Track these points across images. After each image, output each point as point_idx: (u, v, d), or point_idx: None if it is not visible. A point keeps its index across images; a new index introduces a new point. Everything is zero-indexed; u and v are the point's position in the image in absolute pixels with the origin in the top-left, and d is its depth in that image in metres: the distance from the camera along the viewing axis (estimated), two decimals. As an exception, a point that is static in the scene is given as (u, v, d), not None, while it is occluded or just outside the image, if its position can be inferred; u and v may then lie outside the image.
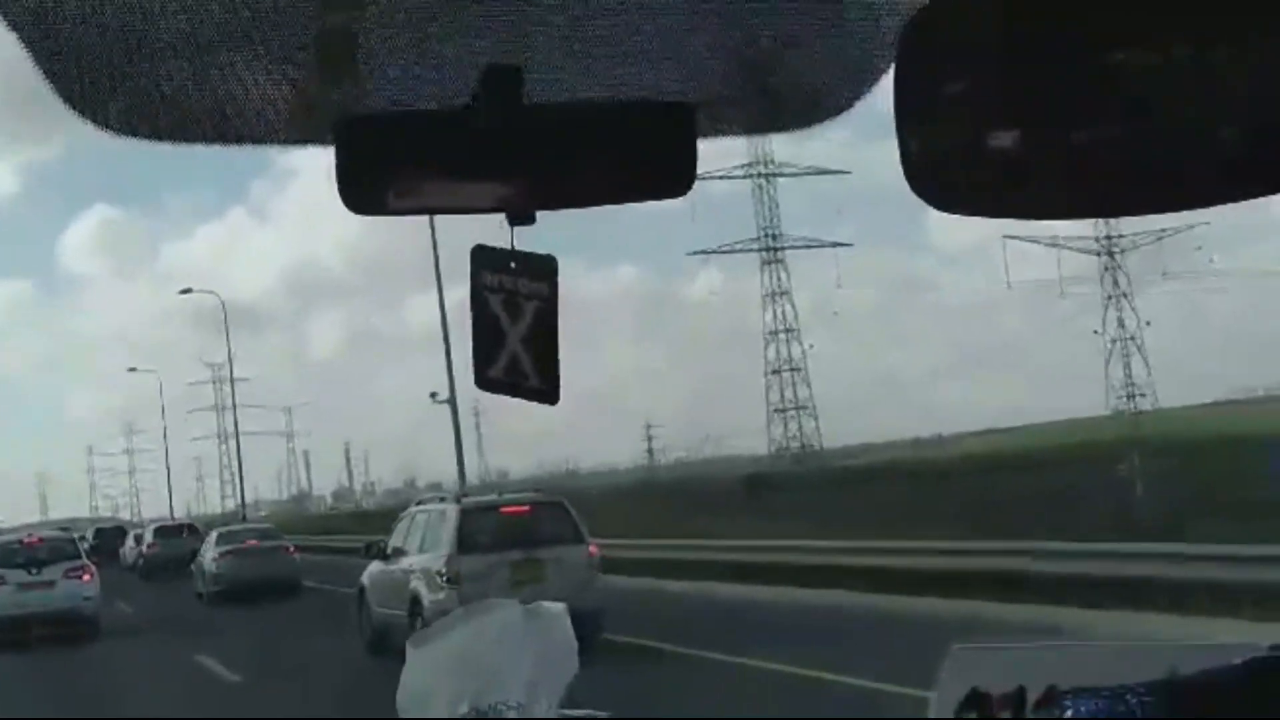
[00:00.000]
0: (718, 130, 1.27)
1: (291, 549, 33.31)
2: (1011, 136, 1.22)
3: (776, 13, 1.27)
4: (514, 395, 1.30)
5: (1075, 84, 1.20)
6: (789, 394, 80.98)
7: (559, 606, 1.64)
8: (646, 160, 1.18)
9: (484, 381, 1.30)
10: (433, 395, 38.28)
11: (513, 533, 17.53)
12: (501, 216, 1.24)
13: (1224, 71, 1.20)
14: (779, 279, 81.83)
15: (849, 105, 1.33)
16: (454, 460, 36.51)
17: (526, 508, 18.42)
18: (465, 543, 17.13)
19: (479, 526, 17.65)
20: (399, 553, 18.52)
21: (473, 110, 1.18)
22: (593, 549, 17.86)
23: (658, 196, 1.19)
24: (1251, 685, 1.79)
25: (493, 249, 1.26)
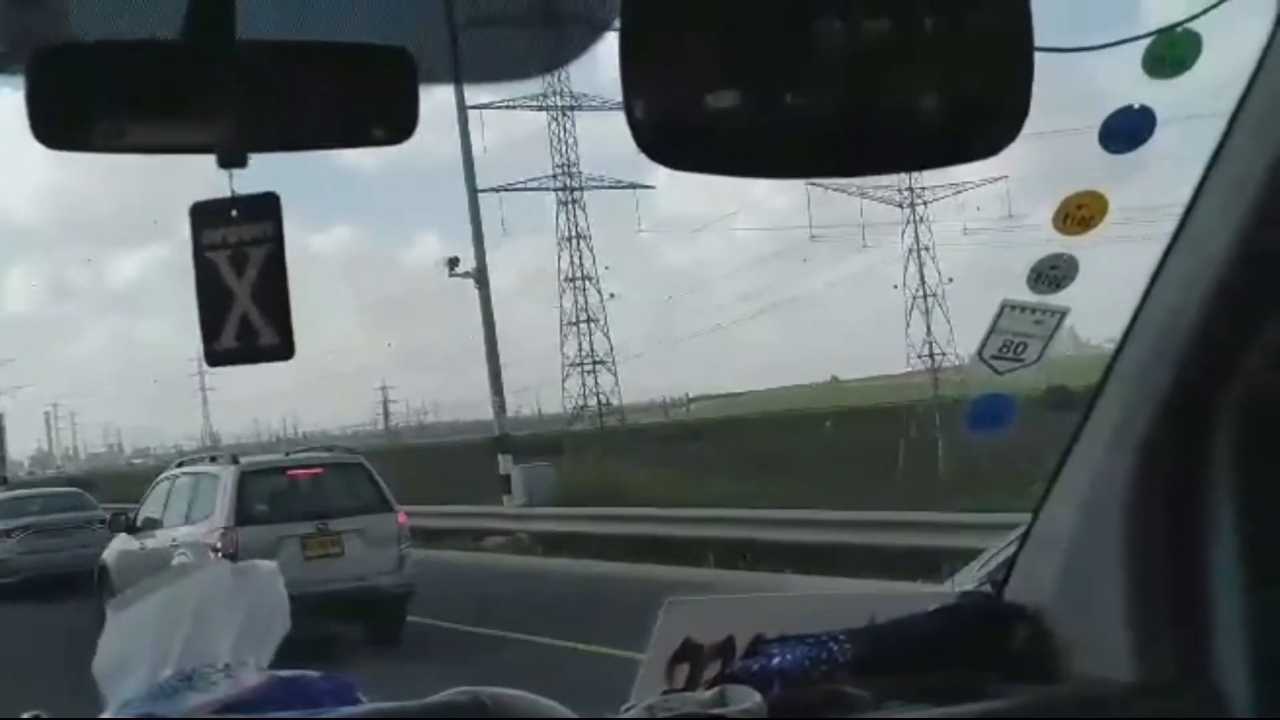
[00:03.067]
0: (438, 78, 1.25)
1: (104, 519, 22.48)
2: (732, 96, 1.25)
3: None
4: (247, 361, 1.24)
5: (793, 48, 1.24)
6: (586, 347, 73.59)
7: (270, 564, 1.60)
8: (364, 104, 1.16)
9: (213, 356, 1.24)
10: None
11: (302, 499, 14.91)
12: (221, 188, 1.19)
13: (930, 43, 1.25)
14: (576, 221, 73.88)
15: (571, 59, 1.33)
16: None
17: (318, 469, 15.51)
18: (244, 511, 14.34)
19: (260, 492, 14.84)
20: (152, 524, 15.49)
21: (181, 45, 1.13)
22: (401, 517, 15.11)
23: (377, 142, 1.17)
24: (942, 628, 1.90)
25: (211, 202, 1.21)
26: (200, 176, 1.27)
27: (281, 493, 14.99)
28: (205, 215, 1.20)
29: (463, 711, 1.44)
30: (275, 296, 1.21)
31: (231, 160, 1.16)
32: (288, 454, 16.58)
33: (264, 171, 1.25)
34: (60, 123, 1.11)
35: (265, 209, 1.21)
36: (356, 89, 1.15)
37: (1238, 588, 1.76)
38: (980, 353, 1.90)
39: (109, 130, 1.13)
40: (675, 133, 1.26)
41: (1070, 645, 1.87)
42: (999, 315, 1.90)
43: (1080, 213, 1.78)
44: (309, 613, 13.63)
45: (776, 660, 1.83)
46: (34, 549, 22.18)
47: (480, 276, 28.59)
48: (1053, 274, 1.83)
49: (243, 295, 1.21)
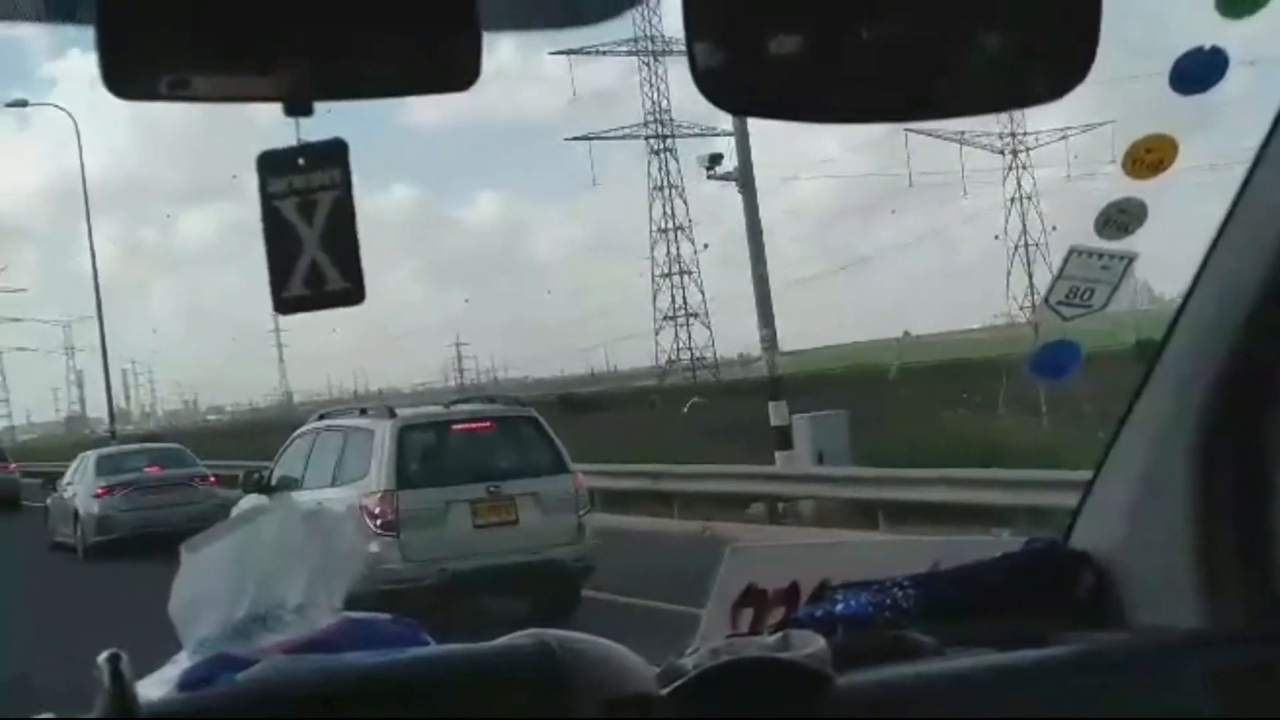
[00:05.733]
0: (500, 24, 1.25)
1: (211, 479, 23.60)
2: (797, 41, 1.25)
3: None
4: (317, 307, 1.24)
5: None
6: (679, 299, 71.23)
7: (339, 510, 1.62)
8: (427, 50, 1.17)
9: (282, 303, 1.24)
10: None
11: (470, 459, 13.18)
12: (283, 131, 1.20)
13: None
14: (668, 170, 71.90)
15: (631, 4, 1.33)
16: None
17: (488, 423, 13.56)
18: (405, 472, 12.57)
19: (422, 449, 13.10)
20: (290, 484, 13.63)
21: None
22: (579, 479, 13.36)
23: (441, 90, 1.18)
24: (1007, 575, 1.90)
25: (278, 150, 1.22)
26: (270, 134, 1.28)
27: (446, 451, 13.29)
28: (272, 163, 1.22)
29: (530, 653, 1.46)
30: (344, 243, 1.22)
31: (298, 108, 1.17)
32: (449, 405, 14.57)
33: (333, 129, 1.26)
34: (130, 71, 1.12)
35: (332, 156, 1.22)
36: (418, 34, 1.16)
37: None
38: (1047, 298, 1.89)
39: (178, 78, 1.14)
40: (738, 76, 1.26)
41: (1135, 593, 1.86)
42: (1066, 260, 1.88)
43: (1150, 156, 1.76)
44: (483, 589, 12.61)
45: (840, 606, 1.83)
46: (136, 506, 21.90)
47: (745, 179, 23.21)
48: (1121, 218, 1.81)
49: (310, 242, 1.22)
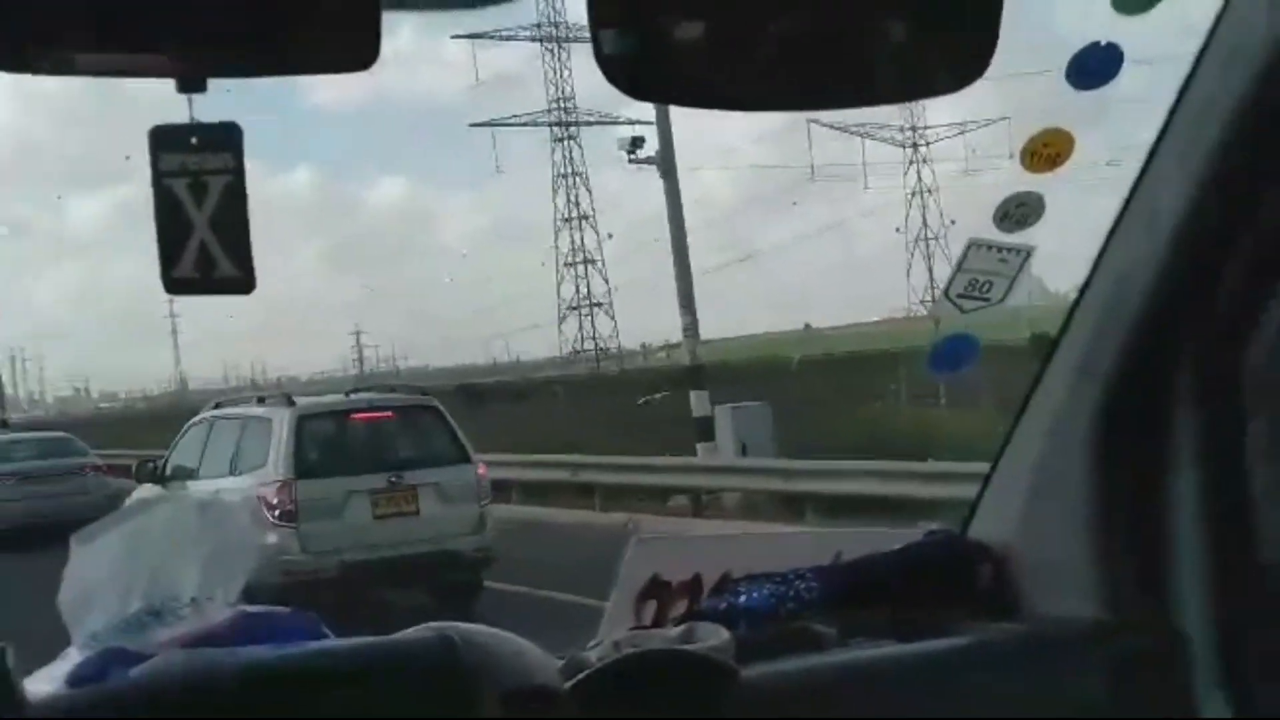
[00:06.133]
0: (400, 3, 1.23)
1: (103, 468, 22.71)
2: (701, 26, 1.24)
3: None
4: (206, 292, 1.23)
5: None
6: (583, 288, 70.93)
7: (235, 500, 1.59)
8: (325, 28, 1.14)
9: (172, 283, 1.22)
10: None
11: (370, 448, 13.08)
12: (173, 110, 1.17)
13: None
14: (572, 158, 71.66)
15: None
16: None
17: (389, 412, 13.48)
18: (304, 461, 12.40)
19: (322, 438, 12.93)
20: (185, 474, 13.46)
21: None
22: (481, 468, 13.21)
23: (339, 69, 1.16)
24: (907, 566, 1.91)
25: (171, 126, 1.20)
26: (164, 111, 1.25)
27: (346, 440, 13.14)
28: (164, 140, 1.19)
29: (431, 646, 1.45)
30: (235, 228, 1.20)
31: (191, 85, 1.15)
32: (348, 394, 14.32)
33: (229, 107, 1.24)
34: (12, 42, 1.09)
35: (226, 139, 1.20)
36: (316, 12, 1.14)
37: (1199, 527, 1.78)
38: (947, 291, 1.91)
39: (65, 51, 1.11)
40: (642, 61, 1.25)
41: (1033, 583, 1.89)
42: (965, 253, 1.90)
43: (1047, 150, 1.78)
44: (383, 580, 12.40)
45: (743, 598, 1.84)
46: (22, 496, 21.19)
47: (666, 164, 22.72)
48: (1019, 212, 1.84)
49: (201, 225, 1.20)
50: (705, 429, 20.76)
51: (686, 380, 21.94)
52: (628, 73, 1.26)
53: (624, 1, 1.24)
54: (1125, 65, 1.72)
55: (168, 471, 13.84)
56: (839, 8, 1.26)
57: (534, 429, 28.46)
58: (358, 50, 1.13)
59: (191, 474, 13.36)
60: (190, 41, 1.12)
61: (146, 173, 1.20)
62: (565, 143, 70.59)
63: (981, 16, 1.29)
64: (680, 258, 22.66)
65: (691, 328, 22.60)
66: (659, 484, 20.11)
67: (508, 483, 20.55)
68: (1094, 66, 1.71)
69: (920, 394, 24.37)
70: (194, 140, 1.19)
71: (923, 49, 1.31)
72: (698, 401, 21.09)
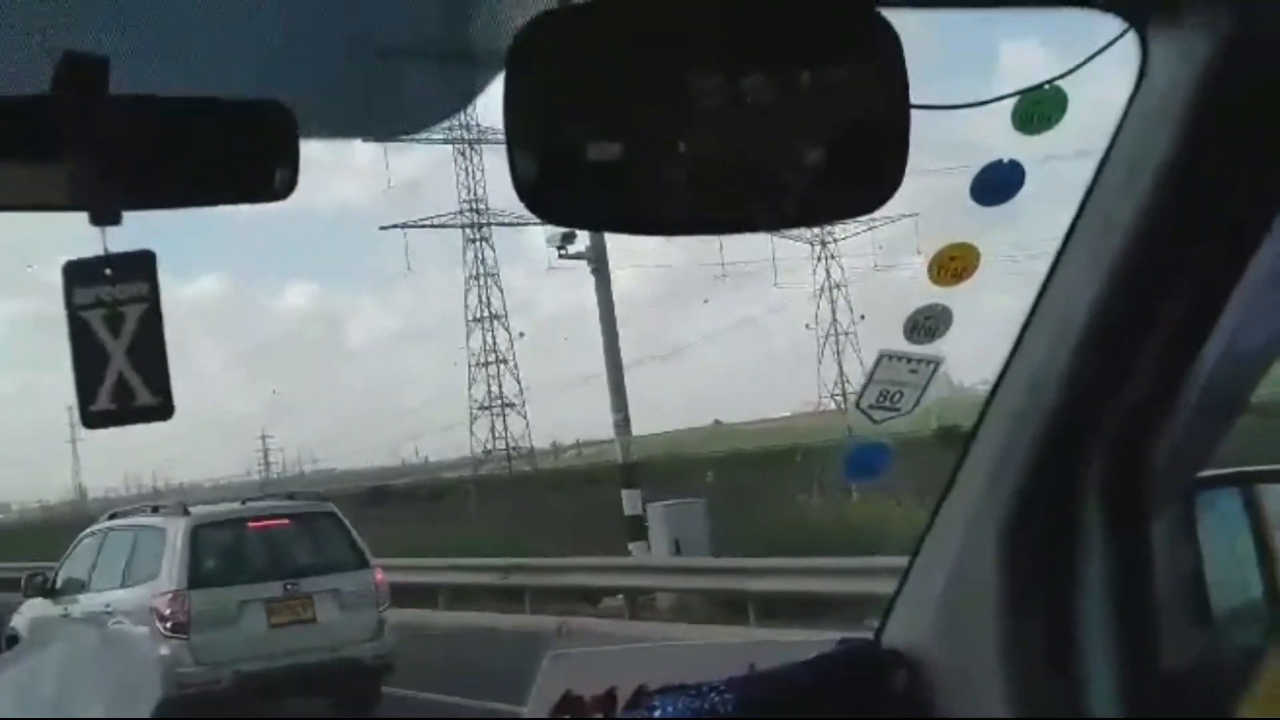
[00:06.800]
0: (320, 132, 1.23)
1: None
2: (617, 153, 1.25)
3: (385, 21, 1.25)
4: (124, 422, 1.21)
5: (675, 105, 1.25)
6: (494, 388, 70.33)
7: (141, 629, 1.55)
8: (243, 160, 1.14)
9: (90, 418, 1.20)
10: None
11: (266, 556, 12.95)
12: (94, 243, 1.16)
13: (811, 101, 1.27)
14: (484, 258, 71.12)
15: (453, 113, 1.33)
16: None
17: (285, 520, 13.37)
18: (198, 571, 12.27)
19: (216, 547, 12.82)
20: (77, 586, 13.32)
21: (50, 99, 1.10)
22: (379, 574, 13.16)
23: (255, 199, 1.15)
24: (821, 675, 1.91)
25: (84, 260, 1.19)
26: (70, 226, 1.24)
27: (241, 548, 13.00)
28: (78, 273, 1.17)
29: None
30: (152, 357, 1.18)
31: (105, 218, 1.13)
32: (245, 502, 14.27)
33: (132, 221, 1.22)
34: None
35: (140, 268, 1.18)
36: (235, 144, 1.13)
37: (1108, 627, 1.80)
38: (859, 403, 1.93)
39: None
40: (558, 187, 1.26)
41: (946, 687, 1.89)
42: (876, 365, 1.92)
43: (953, 264, 1.82)
44: (278, 689, 12.31)
45: (658, 712, 1.82)
46: None
47: (598, 260, 22.47)
48: (928, 324, 1.87)
49: (118, 355, 1.18)
50: (636, 528, 20.30)
51: (615, 478, 21.47)
52: (543, 197, 1.26)
53: (539, 126, 1.24)
54: (1032, 163, 1.76)
55: (58, 584, 13.67)
56: (752, 135, 1.28)
57: (455, 530, 27.86)
58: (277, 181, 1.13)
59: (83, 586, 13.22)
60: (105, 175, 1.11)
61: (46, 279, 1.18)
62: (478, 243, 70.86)
63: (892, 138, 1.32)
64: (611, 354, 22.31)
65: (623, 424, 22.11)
66: (593, 585, 19.42)
67: (432, 587, 20.33)
68: (997, 183, 1.75)
69: (835, 487, 24.32)
70: (108, 271, 1.17)
71: (836, 172, 1.33)
72: (629, 500, 20.65)
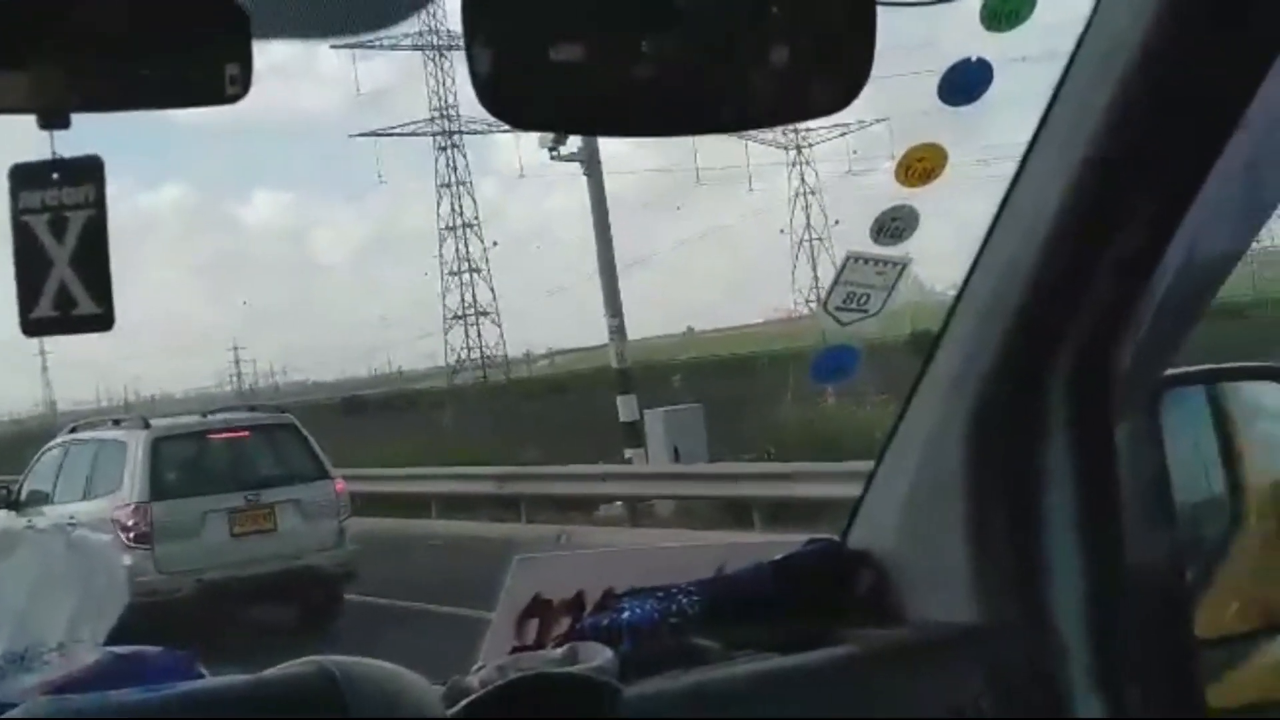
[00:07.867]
0: (275, 32, 1.20)
1: None
2: (578, 53, 1.23)
3: None
4: (65, 331, 1.20)
5: (637, 3, 1.22)
6: (468, 297, 69.13)
7: (103, 538, 1.54)
8: (194, 61, 1.11)
9: (29, 325, 1.18)
10: None
11: (227, 467, 13.11)
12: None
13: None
14: (455, 166, 69.40)
15: (407, 16, 1.30)
16: None
17: (245, 431, 13.50)
18: (160, 483, 12.44)
19: (178, 459, 12.90)
20: (40, 499, 13.31)
21: None
22: (339, 484, 13.31)
23: (207, 102, 1.13)
24: (788, 576, 1.92)
25: (31, 164, 1.16)
26: (22, 133, 1.21)
27: (202, 460, 13.16)
28: (25, 176, 1.15)
29: (309, 682, 1.41)
30: (95, 264, 1.16)
31: (53, 121, 1.10)
32: (205, 415, 14.34)
33: (87, 127, 1.19)
34: None
35: (88, 173, 1.16)
36: (185, 45, 1.10)
37: (1071, 529, 1.81)
38: (825, 304, 1.92)
39: None
40: (518, 88, 1.24)
41: (911, 590, 1.91)
42: (843, 267, 1.92)
43: (921, 165, 1.80)
44: (242, 597, 12.45)
45: (626, 614, 1.83)
46: None
47: (590, 161, 21.69)
48: (894, 225, 1.86)
49: (61, 262, 1.16)
50: (634, 434, 20.03)
51: (601, 384, 21.23)
52: (503, 98, 1.24)
53: (500, 26, 1.22)
54: (1000, 64, 1.74)
55: (22, 496, 13.69)
56: (716, 33, 1.26)
57: (439, 440, 27.51)
58: (229, 82, 1.10)
59: (46, 498, 13.25)
60: (53, 76, 1.08)
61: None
62: (449, 151, 69.83)
63: (857, 34, 1.30)
64: (605, 257, 21.96)
65: (618, 329, 21.75)
66: (590, 493, 18.89)
67: (424, 496, 20.22)
68: (964, 83, 1.73)
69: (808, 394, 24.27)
70: (55, 175, 1.15)
71: (800, 70, 1.31)
72: (625, 406, 20.33)
